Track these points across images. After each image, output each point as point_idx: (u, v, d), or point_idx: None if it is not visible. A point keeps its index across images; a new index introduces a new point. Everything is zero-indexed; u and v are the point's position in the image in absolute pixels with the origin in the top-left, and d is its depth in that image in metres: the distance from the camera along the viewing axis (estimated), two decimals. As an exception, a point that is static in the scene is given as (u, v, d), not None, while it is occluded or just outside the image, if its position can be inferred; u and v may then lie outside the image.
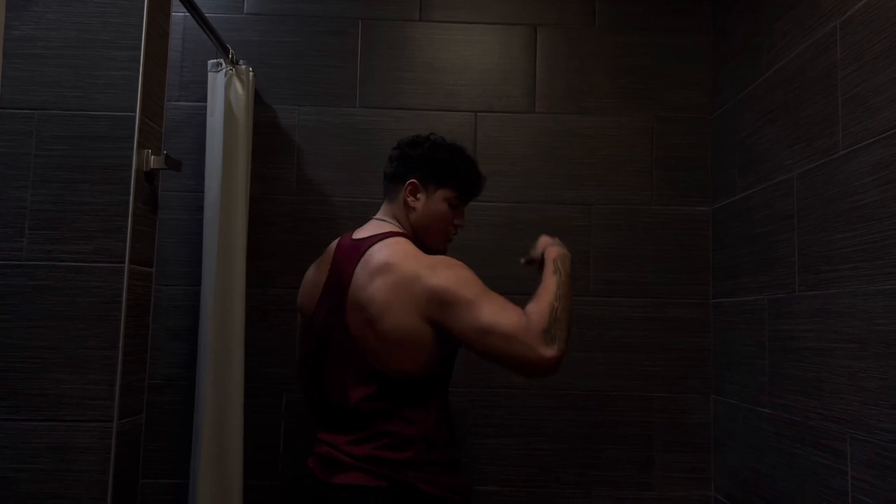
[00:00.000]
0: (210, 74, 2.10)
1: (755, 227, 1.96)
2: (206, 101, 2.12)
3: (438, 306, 1.36)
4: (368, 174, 2.26)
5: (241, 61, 2.10)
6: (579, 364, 2.23)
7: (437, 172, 1.56)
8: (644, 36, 2.33)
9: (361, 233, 1.54)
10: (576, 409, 2.22)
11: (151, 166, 1.47)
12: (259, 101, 2.26)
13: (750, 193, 2.00)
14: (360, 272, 1.43)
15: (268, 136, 2.27)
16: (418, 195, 1.56)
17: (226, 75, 2.05)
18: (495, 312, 1.32)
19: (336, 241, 1.59)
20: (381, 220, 1.58)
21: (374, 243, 1.46)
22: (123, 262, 1.41)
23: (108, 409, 1.38)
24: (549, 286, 1.39)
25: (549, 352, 1.27)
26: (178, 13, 2.11)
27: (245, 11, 2.31)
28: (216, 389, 1.97)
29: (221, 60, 2.07)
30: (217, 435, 1.97)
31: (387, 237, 1.48)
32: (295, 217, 2.25)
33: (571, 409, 2.22)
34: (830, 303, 1.57)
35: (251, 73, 2.11)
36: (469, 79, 2.32)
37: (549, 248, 1.53)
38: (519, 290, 2.31)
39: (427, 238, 1.56)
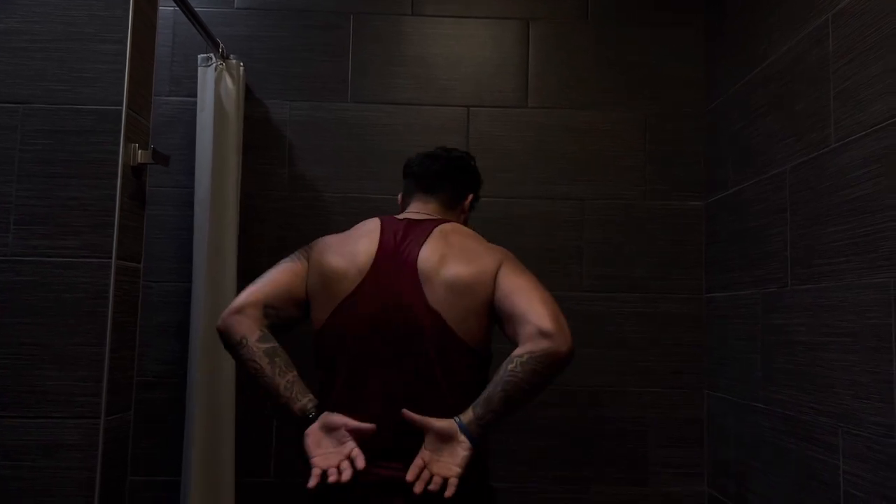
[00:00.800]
0: (200, 69, 2.08)
1: (748, 222, 1.95)
2: (196, 97, 2.11)
3: (503, 267, 1.38)
4: (361, 169, 2.25)
5: (231, 56, 2.09)
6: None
7: (477, 192, 1.67)
8: (636, 30, 2.32)
9: (414, 216, 1.51)
10: (569, 405, 2.21)
11: (139, 161, 1.46)
12: (250, 97, 2.24)
13: (743, 188, 1.99)
14: (434, 245, 1.40)
15: (259, 132, 2.25)
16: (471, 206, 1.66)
17: (216, 70, 2.03)
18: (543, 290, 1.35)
19: (374, 221, 1.49)
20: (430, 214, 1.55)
21: (438, 224, 1.46)
22: (110, 258, 1.40)
23: (95, 405, 1.37)
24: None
25: (568, 344, 1.29)
26: (168, 8, 2.10)
27: (235, 6, 2.29)
28: (207, 386, 1.96)
29: (211, 55, 2.05)
30: (208, 432, 1.96)
31: (446, 222, 1.50)
32: (287, 213, 2.24)
33: (565, 405, 2.22)
34: (823, 297, 1.56)
35: (241, 68, 2.09)
36: (461, 73, 2.31)
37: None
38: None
39: None
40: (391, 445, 1.33)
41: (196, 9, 1.82)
